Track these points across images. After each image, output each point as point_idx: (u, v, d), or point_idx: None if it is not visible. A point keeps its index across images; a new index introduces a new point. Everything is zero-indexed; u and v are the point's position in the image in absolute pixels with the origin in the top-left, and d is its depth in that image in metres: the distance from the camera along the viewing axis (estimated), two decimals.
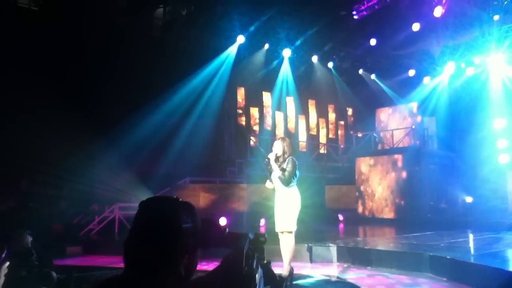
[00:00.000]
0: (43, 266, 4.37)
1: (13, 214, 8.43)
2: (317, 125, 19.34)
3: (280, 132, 17.26)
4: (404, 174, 13.13)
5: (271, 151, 5.14)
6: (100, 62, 10.75)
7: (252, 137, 15.07)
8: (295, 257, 5.43)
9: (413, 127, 13.92)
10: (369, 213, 13.68)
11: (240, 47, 14.44)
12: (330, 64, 17.20)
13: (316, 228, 9.50)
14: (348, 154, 16.90)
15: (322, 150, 17.60)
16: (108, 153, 10.39)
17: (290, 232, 4.93)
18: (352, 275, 5.89)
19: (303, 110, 18.51)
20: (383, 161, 13.66)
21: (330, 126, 19.94)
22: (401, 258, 6.30)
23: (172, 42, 13.12)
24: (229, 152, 15.17)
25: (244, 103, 16.75)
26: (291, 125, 18.12)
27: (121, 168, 10.79)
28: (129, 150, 10.55)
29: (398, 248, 7.14)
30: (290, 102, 17.82)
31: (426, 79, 16.94)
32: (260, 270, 1.36)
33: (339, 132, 20.34)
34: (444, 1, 13.53)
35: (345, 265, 6.62)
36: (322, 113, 19.51)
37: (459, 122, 15.13)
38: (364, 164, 14.12)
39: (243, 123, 16.57)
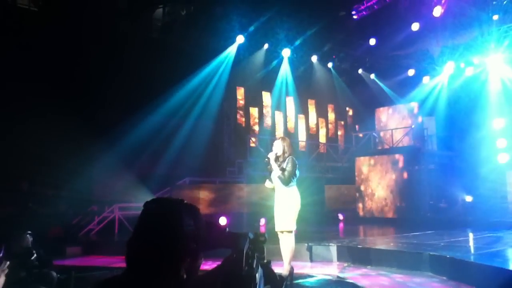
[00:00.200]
0: (43, 266, 4.38)
1: (13, 215, 8.42)
2: (317, 125, 19.35)
3: (279, 132, 17.27)
4: (403, 174, 13.13)
5: (271, 151, 5.14)
6: (100, 63, 10.76)
7: (251, 137, 15.07)
8: (295, 256, 5.43)
9: (413, 127, 13.90)
10: (368, 212, 13.68)
11: (240, 47, 14.44)
12: (330, 64, 17.23)
13: (316, 228, 9.50)
14: (347, 154, 16.90)
15: (321, 150, 17.61)
16: (108, 153, 10.39)
17: (290, 232, 4.94)
18: (352, 275, 5.90)
19: (302, 110, 18.52)
20: (382, 161, 13.66)
21: (330, 126, 19.95)
22: (401, 257, 6.31)
23: (172, 42, 13.13)
24: (228, 152, 15.17)
25: (243, 103, 16.75)
26: (290, 125, 18.13)
27: (120, 168, 10.79)
28: (129, 150, 10.56)
29: (398, 248, 7.13)
30: (290, 102, 17.82)
31: (426, 79, 16.92)
32: (260, 269, 1.36)
33: (339, 132, 20.35)
34: (443, 1, 13.54)
35: (345, 265, 6.62)
36: (321, 113, 19.52)
37: (458, 121, 15.12)
38: (363, 164, 14.11)
39: (243, 123, 16.58)
